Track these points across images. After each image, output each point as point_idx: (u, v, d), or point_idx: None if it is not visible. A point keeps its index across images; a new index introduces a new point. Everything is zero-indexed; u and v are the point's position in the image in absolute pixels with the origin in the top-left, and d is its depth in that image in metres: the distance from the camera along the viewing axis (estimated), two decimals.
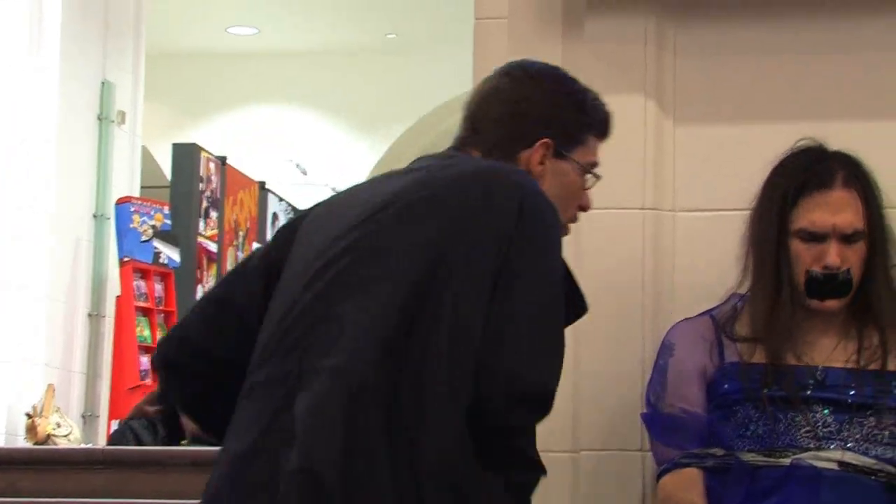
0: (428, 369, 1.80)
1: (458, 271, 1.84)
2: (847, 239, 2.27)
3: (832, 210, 2.27)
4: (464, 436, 1.78)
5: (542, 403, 1.84)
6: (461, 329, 1.81)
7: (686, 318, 2.42)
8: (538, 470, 1.86)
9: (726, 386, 2.31)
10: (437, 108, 9.26)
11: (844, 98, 2.59)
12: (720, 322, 2.38)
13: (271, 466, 1.78)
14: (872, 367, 2.28)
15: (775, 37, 2.61)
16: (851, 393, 2.26)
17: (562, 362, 1.87)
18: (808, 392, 2.27)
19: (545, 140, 2.05)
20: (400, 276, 1.84)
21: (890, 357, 2.28)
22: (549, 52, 2.65)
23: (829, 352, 2.31)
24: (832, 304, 2.29)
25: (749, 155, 2.46)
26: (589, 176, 2.12)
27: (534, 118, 2.07)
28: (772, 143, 2.38)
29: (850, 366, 2.29)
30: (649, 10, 2.63)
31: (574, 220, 2.14)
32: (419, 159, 2.11)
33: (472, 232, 1.87)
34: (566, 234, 2.07)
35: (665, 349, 2.40)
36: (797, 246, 2.29)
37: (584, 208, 2.14)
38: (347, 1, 8.03)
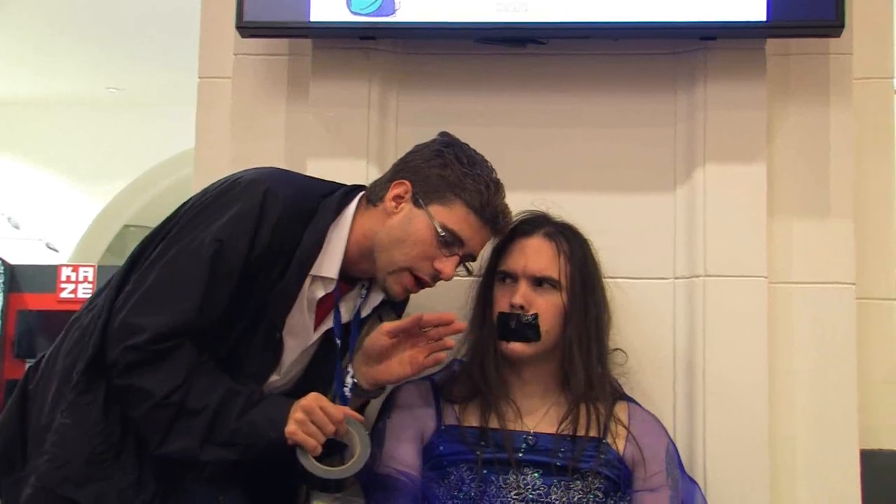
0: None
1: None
2: (538, 283, 2.35)
3: (526, 254, 2.37)
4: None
5: (129, 336, 2.05)
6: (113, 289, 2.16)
7: (408, 382, 2.43)
8: (149, 398, 2.05)
9: (441, 448, 2.35)
10: (161, 164, 9.07)
11: (565, 170, 2.68)
12: (439, 385, 2.44)
13: None
14: (581, 433, 2.34)
15: (497, 109, 2.70)
16: (560, 456, 2.32)
17: (178, 305, 2.07)
18: (520, 455, 2.32)
19: (402, 180, 2.24)
20: None
21: (597, 424, 2.35)
22: (273, 113, 2.75)
23: (541, 417, 2.38)
24: (517, 346, 2.34)
25: None
26: (444, 238, 2.20)
27: (410, 166, 2.27)
28: None
29: (560, 431, 2.35)
30: (373, 77, 2.68)
31: (418, 270, 2.21)
32: None
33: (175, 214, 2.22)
34: (390, 281, 2.22)
35: (384, 411, 2.43)
36: (497, 289, 2.39)
37: (440, 272, 2.22)
38: (66, 50, 7.76)
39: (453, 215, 2.22)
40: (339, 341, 2.29)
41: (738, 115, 2.62)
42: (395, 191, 2.24)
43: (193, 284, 2.09)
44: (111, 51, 7.70)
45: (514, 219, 2.43)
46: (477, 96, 2.69)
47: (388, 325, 2.27)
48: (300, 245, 2.17)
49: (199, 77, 2.84)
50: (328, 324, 2.30)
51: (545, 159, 2.69)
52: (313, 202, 2.22)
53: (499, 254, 2.43)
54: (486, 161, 2.30)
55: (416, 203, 2.22)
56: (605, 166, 2.68)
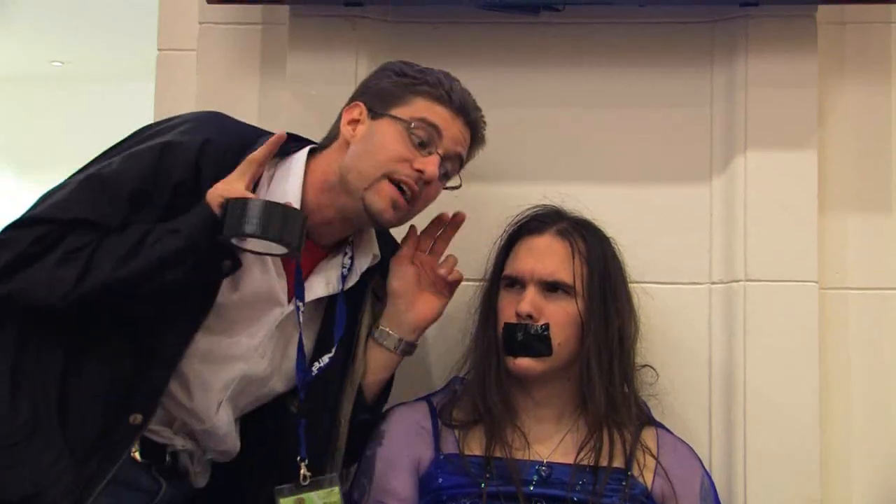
0: None
1: None
2: (549, 288, 2.36)
3: (535, 255, 2.39)
4: None
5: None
6: None
7: (402, 403, 2.47)
8: (46, 263, 2.08)
9: (440, 480, 2.35)
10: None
11: (583, 157, 2.69)
12: (438, 408, 2.45)
13: None
14: (603, 463, 2.33)
15: (504, 87, 2.69)
16: (578, 490, 2.31)
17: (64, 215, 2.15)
18: (531, 488, 2.32)
19: (353, 104, 2.28)
20: None
21: (622, 454, 2.35)
22: (245, 91, 2.75)
23: (556, 445, 2.38)
24: (524, 362, 2.34)
25: (475, 214, 2.50)
26: (418, 132, 2.23)
27: (357, 92, 2.32)
28: (498, 201, 2.46)
29: (578, 461, 2.35)
30: (360, 50, 2.68)
31: (396, 174, 2.21)
32: None
33: None
34: (370, 197, 2.20)
35: (375, 437, 2.42)
36: (502, 297, 2.41)
37: (422, 171, 2.22)
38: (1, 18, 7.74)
39: (418, 109, 2.24)
40: (300, 316, 2.26)
41: (785, 93, 2.60)
42: (348, 116, 2.27)
43: (77, 198, 2.21)
44: (54, 17, 7.66)
45: (524, 215, 2.44)
46: (480, 72, 2.63)
47: (404, 251, 2.41)
48: None
49: (159, 49, 2.84)
50: (315, 292, 2.29)
51: (559, 145, 2.68)
52: (251, 136, 2.21)
53: (505, 255, 2.44)
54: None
55: (374, 116, 2.25)
56: (629, 153, 2.67)
